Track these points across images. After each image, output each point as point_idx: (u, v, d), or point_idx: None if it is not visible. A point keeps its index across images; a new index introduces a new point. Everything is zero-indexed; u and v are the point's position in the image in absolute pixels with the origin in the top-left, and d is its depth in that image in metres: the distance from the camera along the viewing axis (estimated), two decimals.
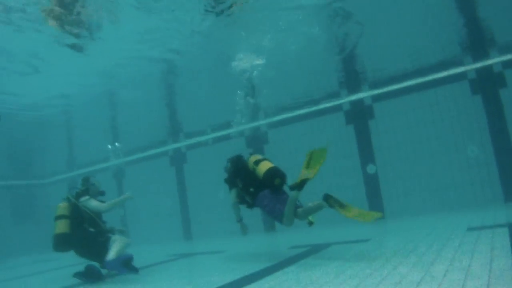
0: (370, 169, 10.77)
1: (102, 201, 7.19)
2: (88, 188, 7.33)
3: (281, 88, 11.80)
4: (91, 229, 7.10)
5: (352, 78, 11.14)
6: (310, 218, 6.25)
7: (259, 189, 6.32)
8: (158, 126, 14.79)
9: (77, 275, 6.80)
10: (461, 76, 10.04)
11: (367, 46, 9.83)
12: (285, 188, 6.28)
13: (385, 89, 10.73)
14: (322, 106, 11.67)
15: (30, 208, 18.44)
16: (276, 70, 10.87)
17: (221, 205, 12.58)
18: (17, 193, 18.17)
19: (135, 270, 6.49)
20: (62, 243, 7.03)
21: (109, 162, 16.72)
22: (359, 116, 11.09)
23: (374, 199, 10.68)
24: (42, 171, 19.13)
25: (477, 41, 9.77)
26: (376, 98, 10.89)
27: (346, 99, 11.34)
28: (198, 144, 14.09)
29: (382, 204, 10.55)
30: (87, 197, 7.08)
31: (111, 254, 6.58)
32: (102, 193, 7.53)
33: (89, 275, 6.79)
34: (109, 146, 15.63)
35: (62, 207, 7.18)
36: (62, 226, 7.06)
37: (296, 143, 11.99)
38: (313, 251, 6.66)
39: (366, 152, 10.92)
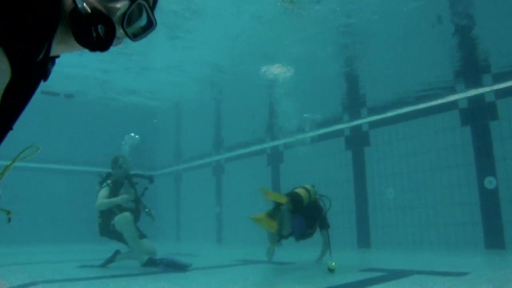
0: (489, 183, 8.73)
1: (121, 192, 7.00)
2: (113, 172, 7.07)
3: (386, 80, 10.25)
4: None
5: (470, 68, 9.16)
6: (331, 265, 5.87)
7: None
8: (257, 123, 14.01)
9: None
10: None
11: (491, 25, 7.93)
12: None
13: None
14: (432, 103, 9.82)
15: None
16: (379, 56, 9.46)
17: None
18: None
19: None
20: (101, 233, 7.07)
21: (210, 158, 16.40)
22: (479, 116, 9.06)
23: (491, 220, 8.62)
24: (152, 163, 19.59)
25: None
26: (502, 94, 8.78)
27: (462, 95, 9.37)
28: (295, 143, 12.98)
29: (502, 228, 8.46)
30: (105, 183, 6.86)
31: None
32: (128, 177, 7.15)
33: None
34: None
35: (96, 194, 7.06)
36: (98, 214, 7.05)
37: (400, 147, 10.31)
38: (388, 278, 5.38)
39: (484, 161, 8.87)
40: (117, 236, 6.87)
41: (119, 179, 7.04)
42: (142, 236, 6.94)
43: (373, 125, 10.97)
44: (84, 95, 14.00)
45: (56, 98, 13.80)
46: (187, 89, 13.29)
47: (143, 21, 1.21)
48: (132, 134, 13.53)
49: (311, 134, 12.41)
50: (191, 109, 15.52)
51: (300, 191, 6.80)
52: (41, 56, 1.01)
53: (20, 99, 1.08)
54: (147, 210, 7.35)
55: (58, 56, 1.20)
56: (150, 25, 1.23)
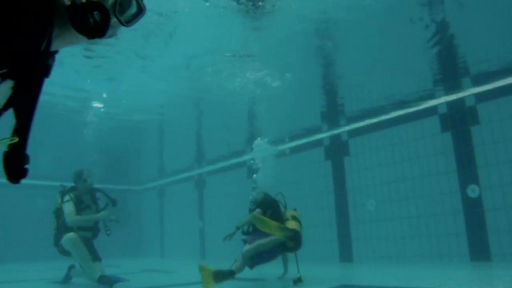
0: (472, 191, 8.13)
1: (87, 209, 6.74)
2: (77, 185, 6.70)
3: (366, 88, 9.71)
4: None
5: (450, 74, 8.61)
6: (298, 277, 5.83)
7: None
8: (236, 135, 13.42)
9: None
10: None
11: (467, 31, 7.40)
12: None
13: (494, 85, 8.05)
14: (412, 109, 9.25)
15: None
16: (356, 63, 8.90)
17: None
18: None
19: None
20: (55, 243, 6.68)
21: (192, 171, 15.79)
22: (459, 121, 8.49)
23: (476, 232, 8.01)
24: (137, 178, 19.01)
25: None
26: (482, 98, 8.21)
27: (441, 100, 8.77)
28: (275, 155, 12.37)
29: (487, 238, 7.84)
30: (68, 197, 6.48)
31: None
32: (92, 192, 6.81)
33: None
34: None
35: (56, 204, 6.79)
36: (53, 225, 6.74)
37: (380, 156, 9.72)
38: None
39: (466, 169, 8.28)
40: (65, 253, 6.54)
41: (82, 194, 6.69)
42: (95, 258, 6.53)
43: (352, 134, 10.38)
44: (64, 107, 13.34)
45: None
46: (168, 104, 12.78)
47: (133, 9, 1.30)
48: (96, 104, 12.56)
49: (290, 144, 11.85)
50: (173, 123, 14.95)
51: (296, 226, 6.23)
52: (43, 47, 1.09)
53: (28, 99, 1.14)
54: (108, 231, 6.90)
55: (57, 52, 1.26)
56: (140, 11, 1.32)
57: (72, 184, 6.83)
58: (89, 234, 6.81)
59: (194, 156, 15.72)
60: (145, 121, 15.13)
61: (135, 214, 18.60)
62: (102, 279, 6.10)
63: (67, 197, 6.49)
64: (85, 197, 6.77)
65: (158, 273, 9.78)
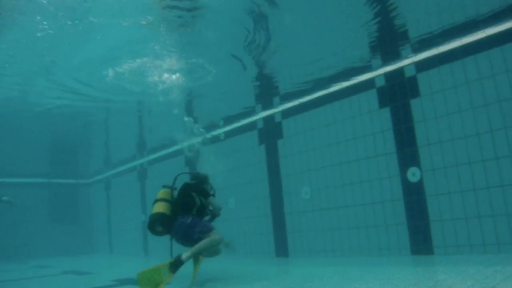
0: (413, 175, 6.63)
1: None
2: None
3: (298, 60, 8.09)
4: None
5: (389, 40, 7.05)
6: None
7: None
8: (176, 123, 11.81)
9: None
10: None
11: None
12: None
13: (435, 51, 6.52)
14: (347, 83, 7.70)
15: (69, 208, 16.71)
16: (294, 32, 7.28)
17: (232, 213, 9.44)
18: (58, 192, 16.43)
19: None
20: None
21: (135, 161, 14.10)
22: (399, 94, 6.95)
23: (417, 221, 6.51)
24: (86, 171, 17.27)
25: None
26: (423, 66, 6.69)
27: (379, 71, 7.25)
28: (211, 140, 10.76)
29: (429, 229, 6.35)
30: None
31: None
32: None
33: None
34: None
35: None
36: None
37: (317, 135, 8.17)
38: None
39: (406, 149, 6.76)
40: None
41: None
42: None
43: (286, 114, 8.80)
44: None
45: None
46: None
47: None
48: None
49: (224, 129, 10.26)
50: (117, 111, 13.22)
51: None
52: None
53: None
54: None
55: None
56: None
57: None
58: None
59: (136, 145, 14.04)
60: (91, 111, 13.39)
61: (85, 209, 16.93)
62: None
63: None
64: None
65: (72, 275, 8.23)
